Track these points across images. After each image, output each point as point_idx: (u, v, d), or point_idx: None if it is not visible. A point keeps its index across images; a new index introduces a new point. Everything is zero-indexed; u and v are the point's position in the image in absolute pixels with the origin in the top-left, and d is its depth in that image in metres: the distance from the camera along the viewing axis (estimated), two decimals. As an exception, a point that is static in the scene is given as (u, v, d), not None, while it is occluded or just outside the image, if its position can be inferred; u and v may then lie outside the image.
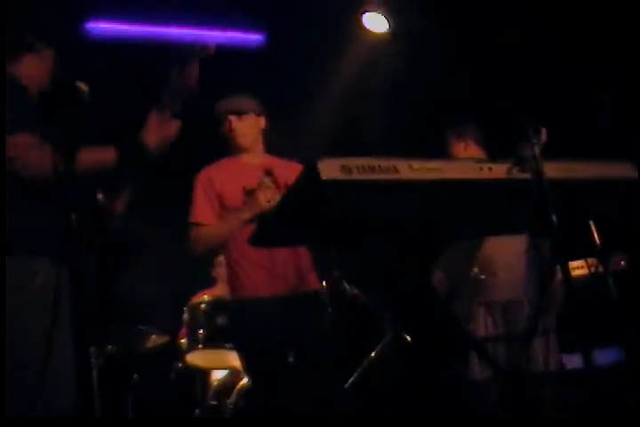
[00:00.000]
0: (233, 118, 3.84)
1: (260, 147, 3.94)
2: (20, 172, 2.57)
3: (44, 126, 2.66)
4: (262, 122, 3.94)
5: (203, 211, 3.77)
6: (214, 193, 3.78)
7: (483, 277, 4.02)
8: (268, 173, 3.73)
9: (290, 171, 3.62)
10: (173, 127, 2.82)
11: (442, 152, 4.25)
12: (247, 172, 3.78)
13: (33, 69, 2.82)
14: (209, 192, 3.79)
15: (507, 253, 4.05)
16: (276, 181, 3.70)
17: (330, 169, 1.84)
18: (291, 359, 3.61)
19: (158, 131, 2.78)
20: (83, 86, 2.69)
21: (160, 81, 2.91)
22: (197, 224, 3.77)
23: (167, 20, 5.56)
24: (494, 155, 2.12)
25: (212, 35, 5.63)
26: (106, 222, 3.03)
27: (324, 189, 1.83)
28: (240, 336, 3.75)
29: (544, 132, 3.64)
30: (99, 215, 2.99)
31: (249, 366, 3.71)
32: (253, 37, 5.85)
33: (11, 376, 2.45)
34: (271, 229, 2.11)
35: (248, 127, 3.87)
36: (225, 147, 3.94)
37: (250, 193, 3.68)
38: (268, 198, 3.61)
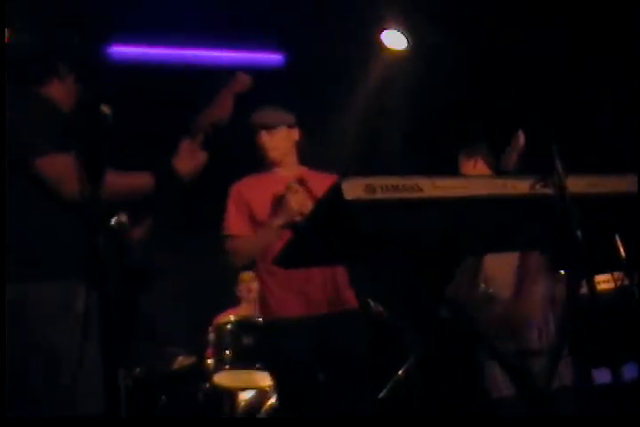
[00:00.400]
0: (263, 132, 3.80)
1: (293, 159, 3.90)
2: (60, 192, 2.60)
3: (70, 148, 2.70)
4: (295, 134, 3.88)
5: (235, 222, 3.74)
6: (244, 205, 3.75)
7: (491, 290, 4.01)
8: (300, 181, 3.68)
9: (325, 182, 3.58)
10: (203, 156, 2.87)
11: (454, 172, 4.26)
12: (279, 184, 3.71)
13: (58, 94, 2.86)
14: (239, 204, 3.76)
15: (506, 270, 4.03)
16: (309, 191, 3.64)
17: (354, 189, 1.85)
18: (321, 378, 3.58)
19: (190, 159, 2.84)
20: (106, 109, 2.71)
21: (187, 106, 2.96)
22: (231, 236, 3.73)
23: (187, 43, 5.63)
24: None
25: (232, 56, 5.70)
26: (125, 245, 3.07)
27: (348, 208, 1.84)
28: (269, 356, 3.74)
29: (521, 136, 3.65)
30: (119, 238, 3.02)
31: (278, 385, 3.70)
32: (273, 57, 5.92)
33: (42, 394, 2.49)
34: (295, 250, 2.12)
35: (279, 140, 3.82)
36: (257, 161, 3.90)
37: (279, 200, 3.63)
38: (299, 203, 3.56)
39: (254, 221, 3.72)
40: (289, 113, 3.92)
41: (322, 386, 3.56)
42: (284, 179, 3.75)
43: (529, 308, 3.88)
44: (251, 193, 3.77)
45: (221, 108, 2.94)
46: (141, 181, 2.76)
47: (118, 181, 2.62)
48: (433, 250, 2.14)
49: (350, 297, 3.70)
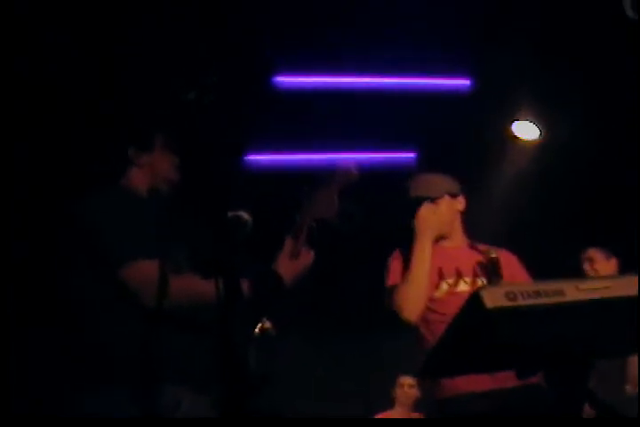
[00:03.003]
0: (424, 204, 3.38)
1: (459, 231, 3.49)
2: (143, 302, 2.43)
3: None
4: (460, 203, 3.48)
5: (398, 273, 3.35)
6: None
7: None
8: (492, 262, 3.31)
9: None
10: (309, 257, 2.61)
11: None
12: (445, 257, 3.37)
13: (137, 179, 2.76)
14: (403, 261, 3.36)
15: None
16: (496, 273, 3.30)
17: (494, 297, 1.84)
18: None
19: (292, 261, 2.58)
20: (245, 216, 2.58)
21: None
22: (395, 286, 3.31)
23: (321, 147, 5.80)
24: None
25: (366, 157, 5.84)
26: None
27: (491, 317, 1.83)
28: None
29: None
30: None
31: None
32: (407, 156, 6.03)
33: None
34: (436, 361, 2.09)
35: (443, 213, 3.41)
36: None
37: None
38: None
39: None
40: (452, 180, 3.52)
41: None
42: (448, 251, 3.41)
43: None
44: None
45: (324, 204, 2.64)
46: (204, 288, 2.32)
47: (178, 286, 2.42)
48: (575, 354, 2.08)
49: None
